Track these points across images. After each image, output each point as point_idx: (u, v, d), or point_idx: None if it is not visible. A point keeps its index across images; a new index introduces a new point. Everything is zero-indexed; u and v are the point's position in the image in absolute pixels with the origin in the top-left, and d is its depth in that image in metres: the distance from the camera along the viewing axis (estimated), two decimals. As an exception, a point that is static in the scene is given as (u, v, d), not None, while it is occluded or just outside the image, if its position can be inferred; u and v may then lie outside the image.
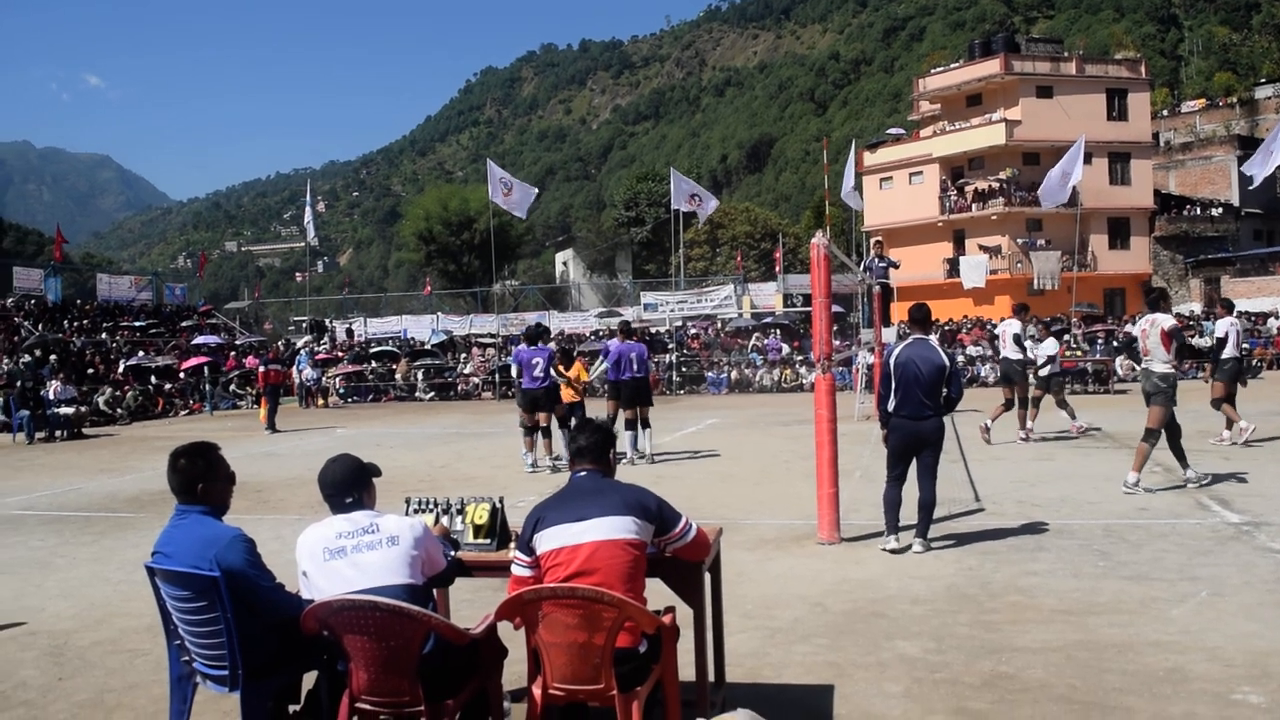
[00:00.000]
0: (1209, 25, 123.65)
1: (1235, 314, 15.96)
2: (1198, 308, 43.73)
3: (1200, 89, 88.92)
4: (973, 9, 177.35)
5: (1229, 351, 14.39)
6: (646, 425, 14.38)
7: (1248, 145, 55.64)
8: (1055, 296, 43.15)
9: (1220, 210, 51.98)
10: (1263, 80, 64.26)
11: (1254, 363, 29.30)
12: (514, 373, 14.83)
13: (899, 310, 30.44)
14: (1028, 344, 15.77)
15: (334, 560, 3.79)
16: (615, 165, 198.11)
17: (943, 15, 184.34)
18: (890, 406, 7.92)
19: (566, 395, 14.55)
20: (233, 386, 31.40)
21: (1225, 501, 9.62)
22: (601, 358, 16.06)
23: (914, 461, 7.98)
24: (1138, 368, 11.18)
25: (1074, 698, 4.84)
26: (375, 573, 3.72)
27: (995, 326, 16.81)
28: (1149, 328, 10.61)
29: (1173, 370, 10.54)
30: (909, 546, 7.97)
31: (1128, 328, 10.56)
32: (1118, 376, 26.58)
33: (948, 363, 7.83)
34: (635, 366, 14.27)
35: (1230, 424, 14.12)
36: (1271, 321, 34.02)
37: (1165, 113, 67.34)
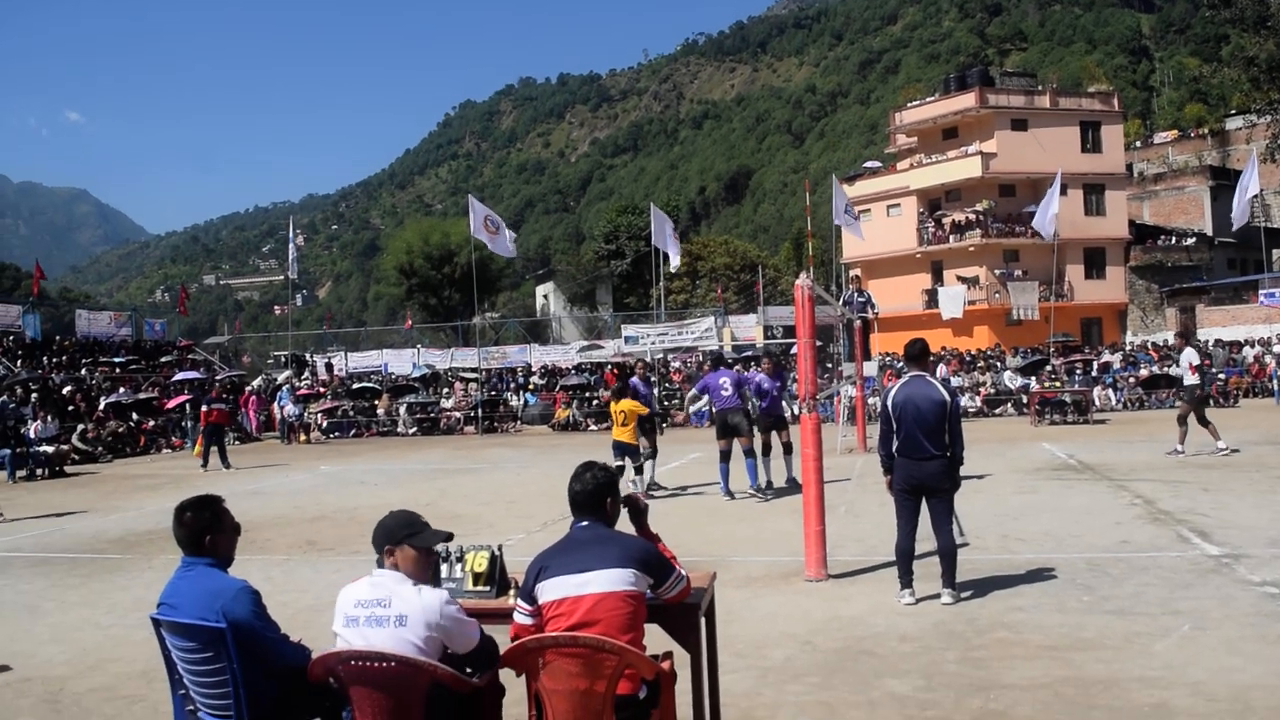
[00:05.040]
0: (1179, 57, 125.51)
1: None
2: (1172, 337, 44.08)
3: (1172, 120, 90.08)
4: (947, 42, 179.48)
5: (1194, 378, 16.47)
6: (753, 454, 13.91)
7: (1220, 176, 56.44)
8: (1033, 327, 43.47)
9: (1194, 240, 52.55)
10: (1233, 111, 64.98)
11: (1229, 390, 29.70)
12: (694, 403, 17.50)
13: (879, 342, 30.66)
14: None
15: (349, 629, 3.83)
16: (594, 198, 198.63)
17: (918, 48, 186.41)
18: (894, 448, 7.65)
19: (624, 434, 14.11)
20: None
21: (1204, 534, 9.75)
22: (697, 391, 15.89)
23: (925, 508, 7.67)
24: None
25: (1062, 735, 4.93)
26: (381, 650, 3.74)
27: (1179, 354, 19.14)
28: None
29: None
30: (922, 599, 7.67)
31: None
32: (1096, 406, 26.83)
33: (949, 399, 7.55)
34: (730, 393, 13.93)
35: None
36: (1247, 349, 34.36)
37: (1138, 144, 68.15)
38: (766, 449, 14.31)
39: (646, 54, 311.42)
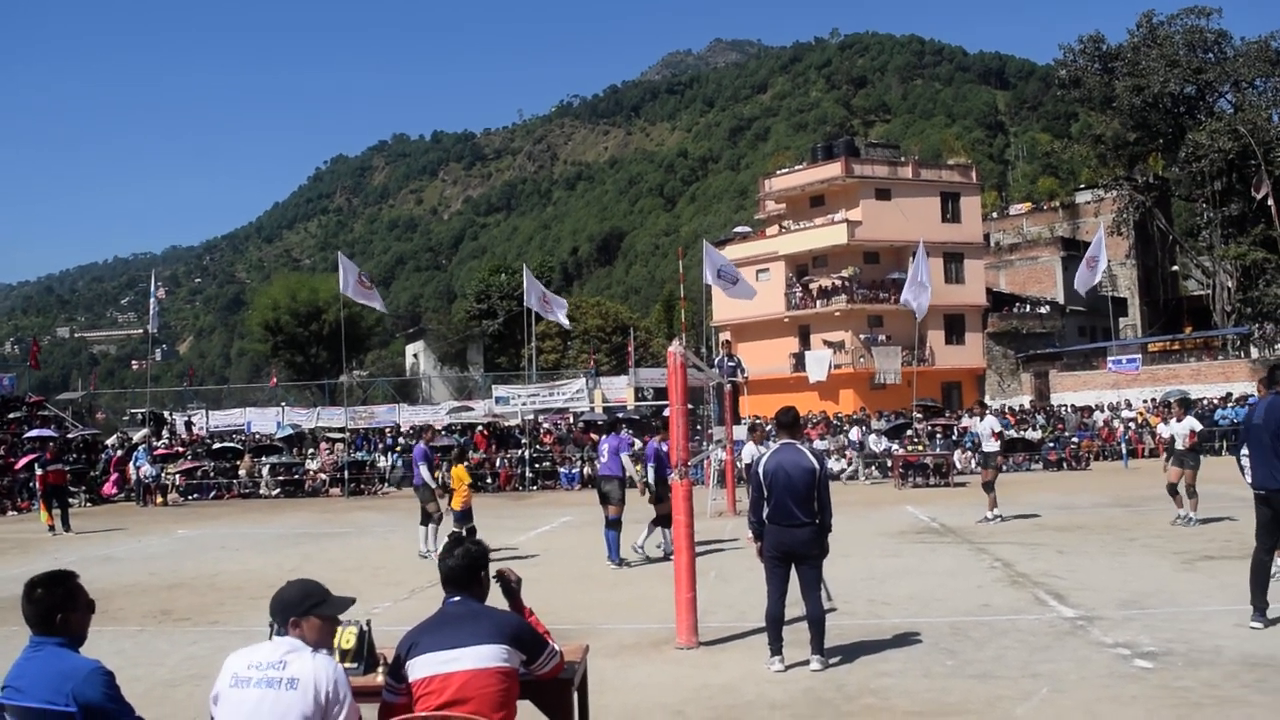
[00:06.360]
0: (1032, 133, 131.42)
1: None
2: (1028, 401, 45.74)
3: (1026, 192, 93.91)
4: (814, 111, 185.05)
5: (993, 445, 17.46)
6: (616, 526, 13.59)
7: (1070, 247, 59.11)
8: (897, 391, 44.55)
9: (1047, 308, 54.82)
10: (1082, 186, 68.21)
11: (1081, 453, 30.86)
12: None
13: (748, 405, 31.03)
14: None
15: (237, 689, 3.67)
16: (466, 256, 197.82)
17: (786, 117, 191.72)
18: (764, 515, 7.70)
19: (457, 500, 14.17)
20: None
21: (1061, 596, 10.06)
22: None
23: (795, 574, 7.73)
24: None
25: (928, 804, 4.99)
26: (264, 714, 3.61)
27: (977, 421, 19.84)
28: None
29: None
30: (792, 666, 7.73)
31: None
32: (957, 469, 27.56)
33: (817, 466, 7.67)
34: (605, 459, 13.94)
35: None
36: (1097, 414, 35.75)
37: (995, 215, 70.80)
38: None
39: (521, 114, 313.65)
